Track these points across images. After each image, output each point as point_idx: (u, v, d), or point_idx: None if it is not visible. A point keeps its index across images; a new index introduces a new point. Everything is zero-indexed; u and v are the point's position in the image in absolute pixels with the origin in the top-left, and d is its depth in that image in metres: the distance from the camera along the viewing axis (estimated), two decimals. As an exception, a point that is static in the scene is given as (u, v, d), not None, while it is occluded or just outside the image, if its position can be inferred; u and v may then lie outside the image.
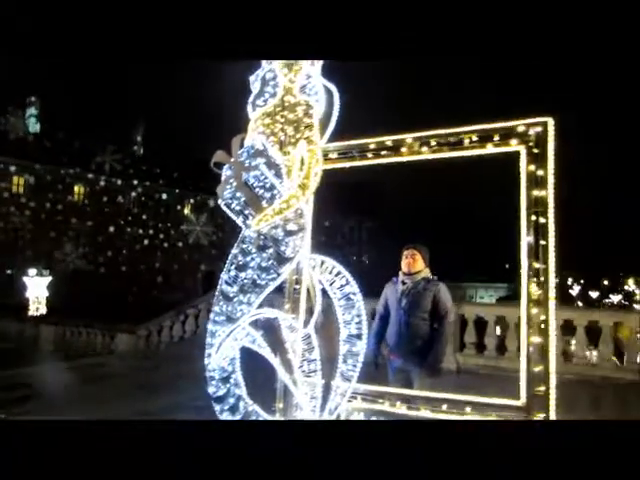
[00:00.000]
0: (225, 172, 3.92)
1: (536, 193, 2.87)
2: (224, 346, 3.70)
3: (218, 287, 3.82)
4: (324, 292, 3.23)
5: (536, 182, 2.88)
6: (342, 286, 3.18)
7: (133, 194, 36.50)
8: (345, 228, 45.77)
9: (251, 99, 3.92)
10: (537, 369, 2.78)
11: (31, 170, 32.28)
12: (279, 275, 3.54)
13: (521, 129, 2.95)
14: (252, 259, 3.71)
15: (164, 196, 35.87)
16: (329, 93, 3.49)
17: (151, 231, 35.67)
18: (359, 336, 3.08)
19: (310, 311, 3.41)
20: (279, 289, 3.62)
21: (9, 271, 30.83)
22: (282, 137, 3.71)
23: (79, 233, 34.71)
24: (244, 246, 3.78)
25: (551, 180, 2.86)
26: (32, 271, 23.73)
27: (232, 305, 3.72)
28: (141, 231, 35.67)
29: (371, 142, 3.38)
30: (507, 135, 2.99)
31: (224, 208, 3.86)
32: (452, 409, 2.94)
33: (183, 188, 36.88)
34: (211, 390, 3.73)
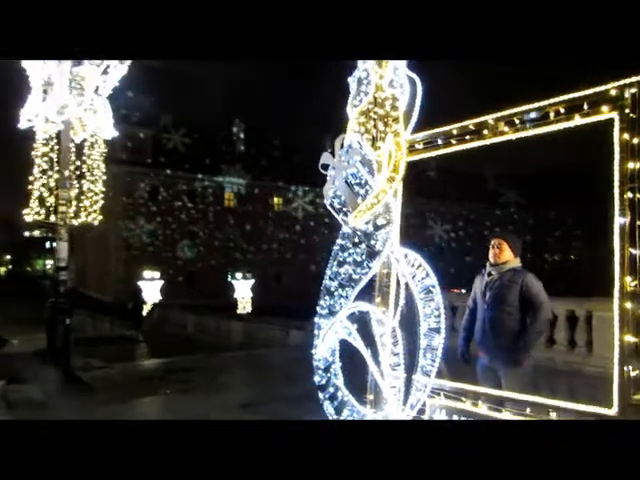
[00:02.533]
0: (329, 172, 4.13)
1: (632, 165, 2.43)
2: (326, 338, 3.89)
3: (323, 282, 4.03)
4: (407, 285, 3.19)
5: (632, 152, 2.44)
6: (422, 279, 3.10)
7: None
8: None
9: (349, 100, 4.05)
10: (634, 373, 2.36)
11: (238, 186, 37.25)
12: (370, 269, 3.60)
13: (614, 92, 2.53)
14: (349, 254, 3.83)
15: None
16: (412, 83, 3.44)
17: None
18: (438, 330, 2.96)
19: (396, 304, 3.39)
20: (371, 283, 3.67)
21: (229, 277, 35.64)
22: (374, 133, 3.76)
23: (276, 240, 38.69)
24: (343, 242, 3.92)
25: (651, 149, 2.39)
26: (238, 274, 27.23)
27: (333, 299, 3.90)
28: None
29: (454, 128, 3.23)
30: (598, 102, 2.59)
31: (329, 208, 4.07)
32: (536, 413, 2.65)
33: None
34: (316, 379, 3.95)
